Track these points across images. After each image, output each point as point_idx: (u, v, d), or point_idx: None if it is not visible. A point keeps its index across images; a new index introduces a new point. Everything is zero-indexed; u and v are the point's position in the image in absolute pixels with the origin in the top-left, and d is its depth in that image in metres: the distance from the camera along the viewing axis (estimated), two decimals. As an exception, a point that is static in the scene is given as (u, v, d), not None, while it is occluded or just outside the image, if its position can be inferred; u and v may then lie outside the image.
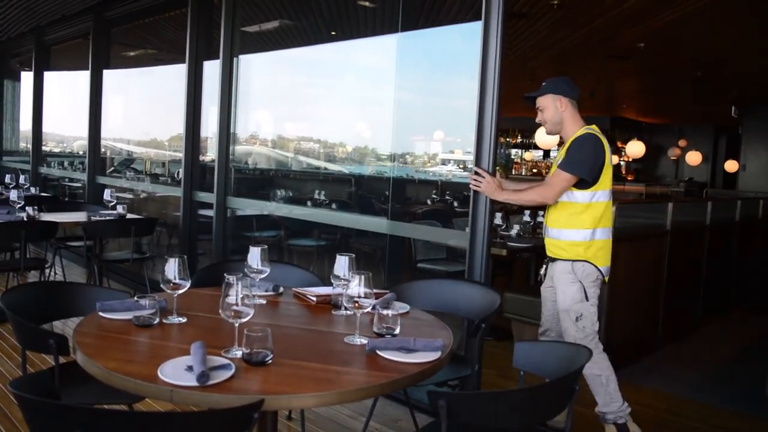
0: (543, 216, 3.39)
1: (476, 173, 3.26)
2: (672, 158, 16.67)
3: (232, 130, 5.37)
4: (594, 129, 3.10)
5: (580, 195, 3.02)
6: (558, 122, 3.12)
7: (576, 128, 3.10)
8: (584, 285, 3.06)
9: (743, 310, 6.82)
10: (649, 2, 5.83)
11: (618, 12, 6.22)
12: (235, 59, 5.25)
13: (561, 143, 3.34)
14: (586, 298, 3.05)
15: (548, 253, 3.21)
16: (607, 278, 3.17)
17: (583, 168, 2.97)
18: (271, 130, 6.14)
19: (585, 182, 3.00)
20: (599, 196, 3.02)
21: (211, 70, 5.47)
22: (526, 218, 5.78)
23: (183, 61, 5.67)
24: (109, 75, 7.17)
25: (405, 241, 4.01)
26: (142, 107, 7.05)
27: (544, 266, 3.32)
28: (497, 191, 3.17)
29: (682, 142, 16.10)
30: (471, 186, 3.30)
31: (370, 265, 4.70)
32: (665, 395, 4.11)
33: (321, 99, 5.49)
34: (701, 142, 16.31)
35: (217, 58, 5.30)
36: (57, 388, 2.18)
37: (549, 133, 3.24)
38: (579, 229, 3.03)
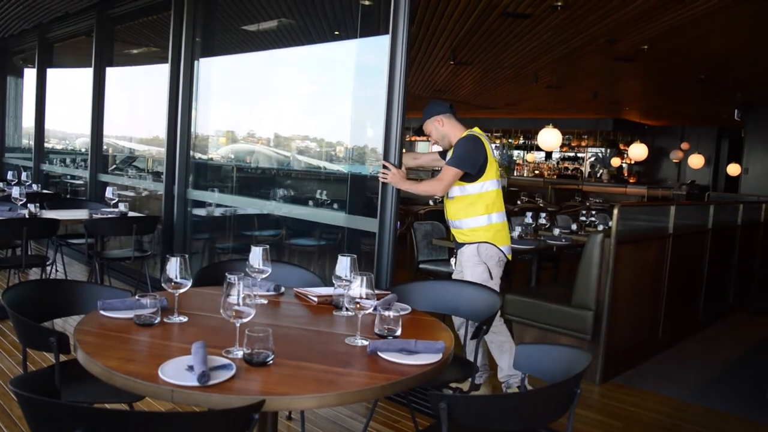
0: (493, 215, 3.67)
1: (384, 167, 3.68)
2: (674, 161, 16.66)
3: (193, 126, 5.73)
4: (474, 131, 3.59)
5: (471, 187, 3.51)
6: (443, 137, 3.67)
7: (459, 134, 3.61)
8: (488, 266, 3.52)
9: (745, 313, 6.82)
10: (653, 5, 5.82)
11: (622, 14, 6.22)
12: (196, 61, 5.64)
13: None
14: (491, 277, 3.51)
15: (457, 241, 3.66)
16: (509, 256, 3.61)
17: (466, 163, 3.46)
18: (243, 127, 6.34)
19: (470, 176, 3.48)
20: (488, 186, 3.51)
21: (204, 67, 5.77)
22: (528, 220, 5.79)
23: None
24: (111, 72, 7.17)
25: (368, 236, 4.20)
26: (145, 105, 7.05)
27: (454, 256, 3.78)
28: (401, 181, 3.64)
29: (684, 145, 16.09)
30: (380, 178, 3.71)
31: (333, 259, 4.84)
32: (666, 398, 4.10)
33: (289, 99, 5.68)
34: (704, 145, 16.30)
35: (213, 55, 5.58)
36: (58, 387, 2.18)
37: (443, 148, 3.74)
38: (476, 216, 3.52)
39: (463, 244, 3.59)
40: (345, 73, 4.94)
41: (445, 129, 3.66)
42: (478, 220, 3.51)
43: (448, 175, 3.46)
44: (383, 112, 3.74)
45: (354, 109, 4.83)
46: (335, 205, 5.18)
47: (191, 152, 5.79)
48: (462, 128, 3.66)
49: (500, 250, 3.52)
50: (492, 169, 3.51)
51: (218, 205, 5.97)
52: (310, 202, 5.36)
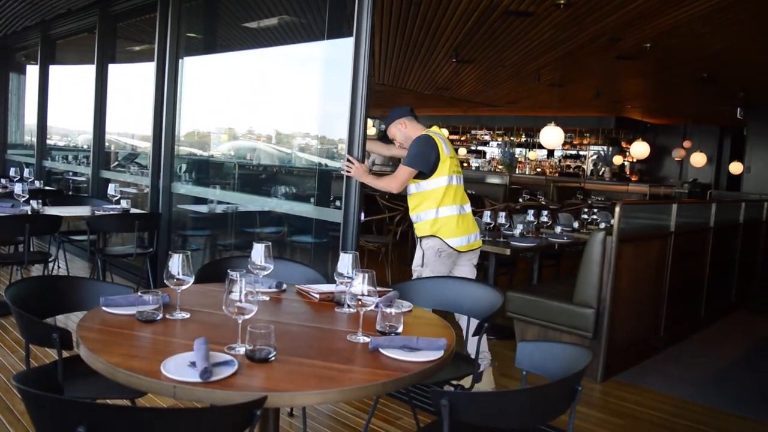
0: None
1: (348, 160, 3.90)
2: (676, 159, 16.63)
3: (177, 122, 6.02)
4: (431, 131, 3.82)
5: (425, 184, 3.73)
6: (407, 138, 3.88)
7: (418, 134, 3.83)
8: (425, 254, 3.75)
9: (746, 311, 6.82)
10: (655, 3, 5.81)
11: (624, 12, 6.20)
12: (180, 60, 5.93)
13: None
14: (422, 264, 3.75)
15: (416, 234, 3.87)
16: (460, 248, 3.74)
17: (418, 162, 3.68)
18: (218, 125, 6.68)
19: (424, 173, 3.69)
20: (440, 182, 3.71)
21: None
22: (530, 217, 5.78)
23: (187, 56, 5.88)
24: (114, 69, 7.17)
25: (327, 226, 4.48)
26: (147, 102, 7.07)
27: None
28: (363, 175, 3.87)
29: (686, 143, 16.05)
30: (344, 171, 3.93)
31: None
32: (667, 397, 4.11)
33: (270, 99, 5.94)
34: (706, 144, 16.27)
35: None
36: (60, 383, 2.19)
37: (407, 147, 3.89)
38: (427, 210, 3.74)
39: (419, 238, 3.86)
40: (320, 71, 5.22)
41: (408, 131, 3.90)
42: (428, 213, 3.74)
43: (403, 173, 3.70)
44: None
45: (326, 107, 5.06)
46: (307, 198, 5.40)
47: (176, 147, 6.04)
48: (421, 129, 3.89)
49: (444, 242, 3.71)
50: (445, 166, 3.70)
51: (204, 200, 6.14)
52: (283, 196, 5.58)
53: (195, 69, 6.13)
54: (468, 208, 3.84)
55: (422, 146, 3.71)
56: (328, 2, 4.78)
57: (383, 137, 4.04)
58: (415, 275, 3.79)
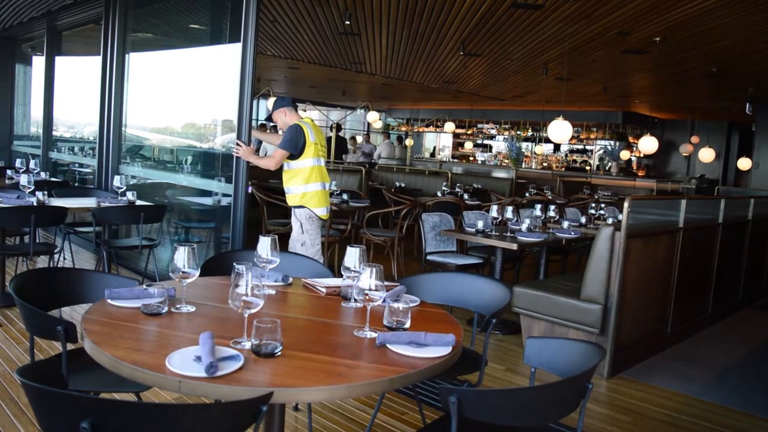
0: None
1: (237, 143, 4.81)
2: (684, 154, 16.53)
3: (124, 109, 6.79)
4: (302, 121, 4.71)
5: (294, 164, 4.68)
6: (285, 124, 4.78)
7: (294, 121, 4.72)
8: (302, 223, 4.71)
9: (754, 308, 6.77)
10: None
11: (634, 5, 6.14)
12: (127, 55, 6.73)
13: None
14: (302, 232, 4.71)
15: (288, 203, 4.83)
16: (323, 216, 4.75)
17: (289, 146, 4.61)
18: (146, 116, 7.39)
19: (294, 155, 4.62)
20: (305, 163, 4.66)
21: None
22: (537, 212, 5.75)
23: (193, 46, 6.11)
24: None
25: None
26: (151, 93, 7.05)
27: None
28: (249, 155, 4.80)
29: (694, 139, 15.96)
30: (234, 153, 4.84)
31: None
32: (675, 393, 4.08)
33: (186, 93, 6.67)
34: (714, 139, 16.17)
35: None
36: (64, 376, 2.17)
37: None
38: (296, 185, 4.69)
39: (291, 208, 4.79)
40: (222, 70, 5.86)
41: (287, 118, 4.78)
42: (297, 188, 4.67)
43: (278, 154, 4.63)
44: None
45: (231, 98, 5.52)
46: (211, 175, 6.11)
47: (123, 131, 6.84)
48: (297, 118, 4.75)
49: (311, 210, 4.67)
50: (310, 150, 4.64)
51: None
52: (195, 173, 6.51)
53: (138, 64, 6.88)
54: (328, 185, 4.81)
55: (293, 133, 4.61)
56: (228, 11, 5.58)
57: (268, 119, 4.98)
58: (298, 245, 4.68)
